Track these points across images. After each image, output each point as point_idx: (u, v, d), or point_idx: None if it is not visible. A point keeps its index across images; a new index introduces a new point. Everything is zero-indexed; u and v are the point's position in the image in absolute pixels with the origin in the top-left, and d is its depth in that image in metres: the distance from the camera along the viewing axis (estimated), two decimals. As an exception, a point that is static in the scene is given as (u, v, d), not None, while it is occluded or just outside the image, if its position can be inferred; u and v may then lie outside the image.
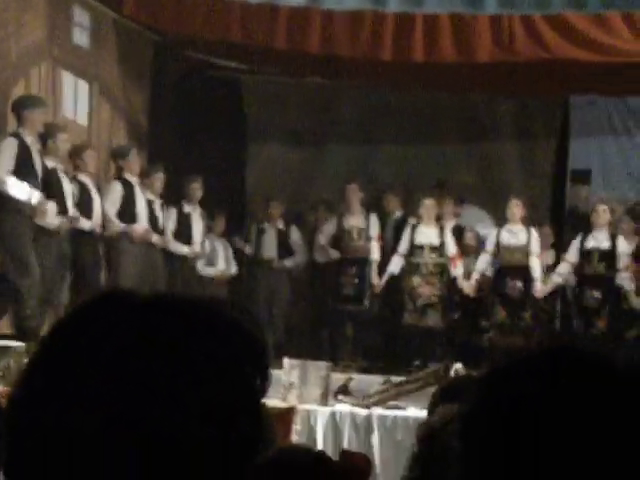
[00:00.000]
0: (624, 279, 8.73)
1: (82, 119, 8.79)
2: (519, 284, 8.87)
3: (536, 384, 0.82)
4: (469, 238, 9.52)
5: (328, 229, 9.49)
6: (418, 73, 9.16)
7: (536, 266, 8.89)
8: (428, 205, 9.05)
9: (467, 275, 9.14)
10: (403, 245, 9.12)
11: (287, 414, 5.92)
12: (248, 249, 9.62)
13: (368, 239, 9.27)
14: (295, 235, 9.70)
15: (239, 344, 0.91)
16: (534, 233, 8.97)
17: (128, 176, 8.19)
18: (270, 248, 9.55)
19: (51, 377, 0.88)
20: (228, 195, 10.03)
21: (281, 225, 9.65)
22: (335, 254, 9.30)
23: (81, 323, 0.92)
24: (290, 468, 1.67)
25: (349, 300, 9.21)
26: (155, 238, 8.27)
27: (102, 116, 9.02)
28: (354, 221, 9.28)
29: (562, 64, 8.44)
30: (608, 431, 0.80)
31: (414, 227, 9.12)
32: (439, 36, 8.54)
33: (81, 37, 8.71)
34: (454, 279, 9.12)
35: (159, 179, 8.52)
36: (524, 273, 8.89)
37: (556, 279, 9.00)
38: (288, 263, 9.58)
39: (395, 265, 9.12)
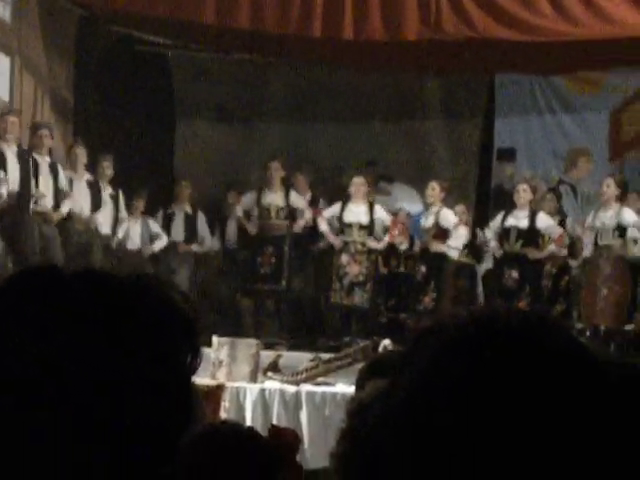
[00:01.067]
0: (557, 249, 8.85)
1: (3, 93, 8.60)
2: (448, 268, 8.97)
3: (459, 354, 0.83)
4: (401, 217, 9.59)
5: (246, 202, 9.40)
6: (348, 51, 9.16)
7: (452, 242, 8.99)
8: (358, 183, 9.07)
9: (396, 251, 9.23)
10: (329, 212, 9.13)
11: (216, 392, 5.91)
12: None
13: (287, 217, 9.23)
14: (202, 220, 9.57)
15: (170, 320, 0.91)
16: (445, 212, 9.01)
17: (37, 152, 8.03)
18: (178, 231, 9.43)
19: None
20: (153, 173, 9.90)
21: (188, 208, 9.52)
22: (253, 229, 9.23)
23: (5, 299, 0.90)
24: (219, 443, 1.67)
25: (267, 279, 9.16)
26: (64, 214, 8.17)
27: (25, 91, 8.83)
28: (273, 198, 9.23)
29: (488, 43, 8.53)
30: (530, 400, 0.81)
31: (343, 205, 9.14)
32: (368, 14, 8.55)
33: (3, 10, 8.50)
34: (387, 254, 9.17)
35: (81, 155, 8.40)
36: (440, 257, 9.01)
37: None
38: (195, 247, 9.47)
39: (324, 225, 9.12)
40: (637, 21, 8.09)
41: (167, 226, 9.40)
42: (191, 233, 9.46)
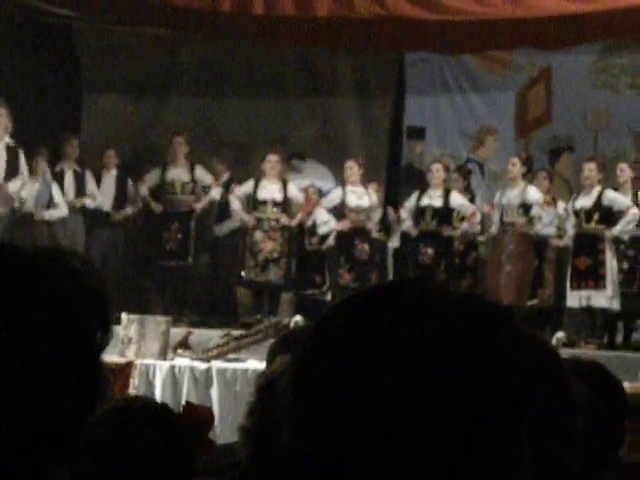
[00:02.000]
0: (470, 227, 9.00)
1: None
2: (366, 246, 9.03)
3: (364, 321, 0.84)
4: (311, 193, 9.61)
5: (150, 179, 9.30)
6: (259, 26, 9.10)
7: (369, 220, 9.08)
8: (272, 160, 9.05)
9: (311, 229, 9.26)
10: (241, 190, 9.10)
11: (125, 369, 5.86)
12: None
13: (192, 193, 9.15)
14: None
15: (79, 295, 0.89)
16: (372, 193, 9.12)
17: None
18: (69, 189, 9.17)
19: None
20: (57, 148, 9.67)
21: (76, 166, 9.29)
22: (157, 207, 9.13)
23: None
24: (132, 418, 1.65)
25: (173, 256, 9.08)
26: None
27: None
28: (178, 174, 9.14)
29: (398, 21, 8.58)
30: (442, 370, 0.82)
31: (256, 182, 9.11)
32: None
33: None
34: (300, 231, 9.19)
35: None
36: (368, 234, 9.07)
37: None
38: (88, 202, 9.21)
39: (236, 203, 9.08)
40: (544, 2, 8.24)
41: (60, 184, 9.09)
42: (80, 190, 9.20)
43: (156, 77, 10.69)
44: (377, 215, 9.26)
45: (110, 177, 9.40)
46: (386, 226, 9.49)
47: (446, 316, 0.84)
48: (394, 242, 9.50)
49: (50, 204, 8.83)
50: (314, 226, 9.36)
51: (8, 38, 9.56)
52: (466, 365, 0.82)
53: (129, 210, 9.37)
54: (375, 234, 9.25)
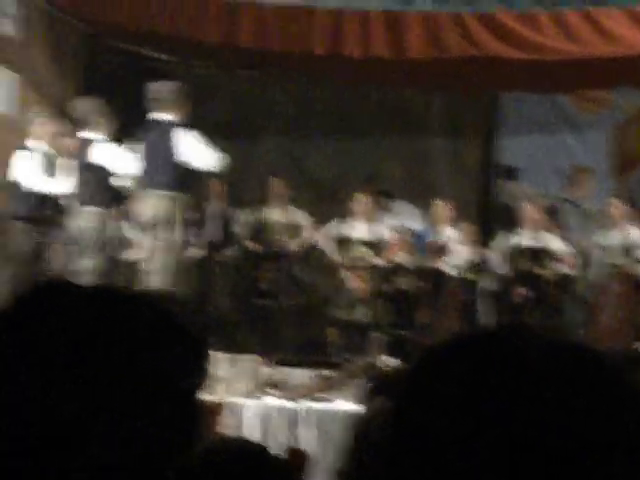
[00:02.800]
0: (565, 268, 8.85)
1: (10, 109, 8.62)
2: (456, 287, 8.96)
3: (463, 368, 0.83)
4: (401, 233, 9.59)
5: (245, 219, 9.42)
6: (350, 67, 9.19)
7: (457, 260, 9.00)
8: (360, 200, 9.09)
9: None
10: (330, 229, 9.14)
11: (215, 407, 5.90)
12: None
13: (287, 233, 9.22)
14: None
15: (178, 340, 0.91)
16: (455, 232, 9.06)
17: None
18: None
19: None
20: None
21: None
22: (253, 246, 9.24)
23: (20, 312, 0.89)
24: (231, 459, 1.65)
25: (266, 295, 9.14)
26: None
27: (30, 107, 8.86)
28: (274, 215, 9.23)
29: (491, 61, 8.55)
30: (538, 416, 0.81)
31: (346, 221, 9.15)
32: (371, 32, 8.59)
33: (8, 26, 8.53)
34: (390, 270, 9.17)
35: None
36: (444, 275, 9.00)
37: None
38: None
39: (325, 242, 9.12)
40: (640, 40, 8.12)
41: None
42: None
43: (247, 118, 10.87)
44: (464, 255, 9.18)
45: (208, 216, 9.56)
46: (477, 266, 9.39)
47: (544, 364, 0.83)
48: (485, 283, 9.39)
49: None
50: (404, 265, 9.33)
51: (108, 83, 9.86)
52: (567, 412, 0.80)
53: (229, 251, 9.52)
54: (465, 274, 9.17)
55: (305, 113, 10.78)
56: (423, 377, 0.86)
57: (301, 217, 9.35)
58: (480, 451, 0.80)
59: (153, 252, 7.28)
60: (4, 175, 8.38)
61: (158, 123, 7.39)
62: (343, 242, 9.11)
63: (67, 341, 0.86)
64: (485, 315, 9.36)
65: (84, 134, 7.62)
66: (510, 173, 10.85)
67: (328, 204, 10.27)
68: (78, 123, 7.65)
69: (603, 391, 0.82)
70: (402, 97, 10.67)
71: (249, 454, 1.66)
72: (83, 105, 7.68)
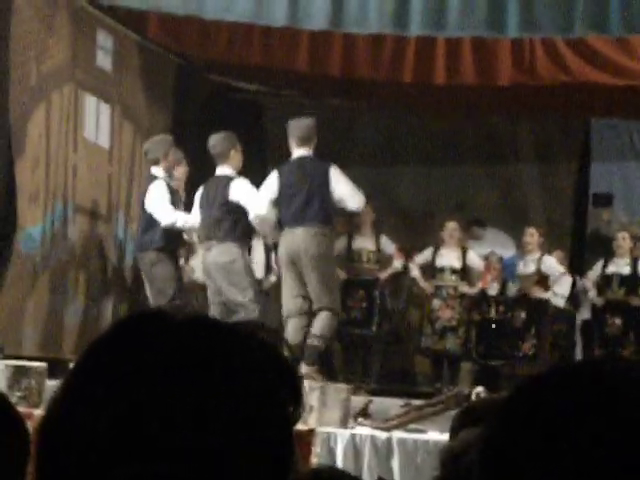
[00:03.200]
0: None
1: (104, 141, 8.85)
2: (549, 317, 8.82)
3: (561, 404, 0.81)
4: (494, 262, 9.48)
5: (337, 247, 9.43)
6: (439, 95, 9.18)
7: (558, 289, 8.84)
8: (451, 228, 9.03)
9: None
10: (420, 258, 9.10)
11: (307, 436, 5.90)
12: None
13: (377, 262, 9.19)
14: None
15: (274, 370, 0.91)
16: (548, 259, 8.91)
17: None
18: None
19: (83, 398, 0.88)
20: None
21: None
22: (342, 275, 9.23)
23: (117, 343, 0.92)
24: None
25: (357, 324, 9.11)
26: None
27: (124, 138, 9.08)
28: (364, 243, 9.22)
29: (583, 87, 8.44)
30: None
31: (435, 249, 9.09)
32: (460, 59, 8.56)
33: (104, 60, 8.78)
34: (481, 299, 9.07)
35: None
36: (541, 303, 8.85)
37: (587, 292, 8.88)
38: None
39: (416, 270, 9.09)
40: None
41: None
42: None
43: (335, 147, 10.93)
44: (567, 284, 9.00)
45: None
46: (573, 296, 9.20)
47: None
48: (583, 314, 9.19)
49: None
50: (494, 293, 9.21)
51: (197, 114, 10.05)
52: None
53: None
54: (561, 304, 8.99)
55: (392, 141, 10.78)
56: (519, 408, 0.85)
57: (390, 245, 9.32)
58: None
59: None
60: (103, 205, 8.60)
61: (304, 160, 7.39)
62: (433, 270, 9.05)
63: (159, 369, 0.87)
64: (583, 346, 9.17)
65: (221, 169, 7.61)
66: (604, 200, 10.65)
67: (418, 232, 10.23)
68: (215, 157, 7.61)
69: None
70: (491, 123, 10.59)
71: None
72: (218, 139, 7.64)
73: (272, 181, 7.48)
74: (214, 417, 0.87)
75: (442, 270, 9.00)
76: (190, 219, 7.62)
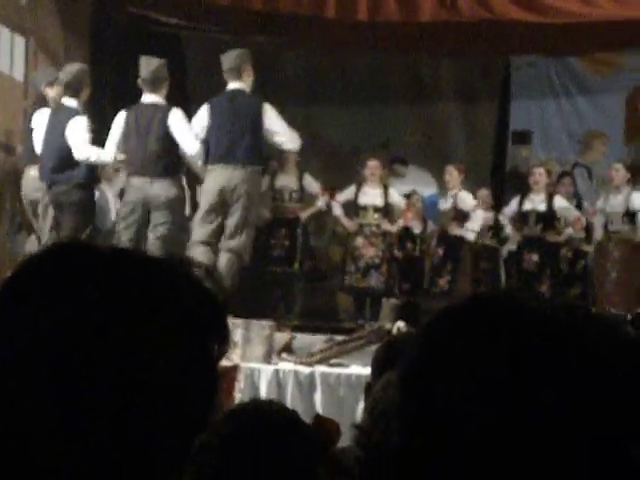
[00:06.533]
0: (575, 233, 8.83)
1: (18, 75, 8.60)
2: (469, 252, 8.96)
3: (474, 328, 0.83)
4: (415, 200, 9.56)
5: None
6: (362, 32, 9.12)
7: (470, 224, 8.97)
8: (373, 166, 9.06)
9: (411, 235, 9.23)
10: (343, 196, 9.13)
11: (231, 372, 5.94)
12: None
13: (300, 200, 9.19)
14: None
15: (200, 305, 0.91)
16: (464, 195, 9.01)
17: None
18: None
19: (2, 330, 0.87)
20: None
21: None
22: (266, 214, 9.21)
23: (36, 275, 0.89)
24: (265, 419, 1.63)
25: (280, 262, 9.12)
26: None
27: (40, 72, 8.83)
28: (287, 181, 9.19)
29: (504, 24, 8.48)
30: (538, 379, 0.81)
31: (358, 188, 9.12)
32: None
33: (18, -8, 8.49)
34: (402, 236, 9.16)
35: None
36: (457, 239, 8.99)
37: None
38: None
39: (339, 209, 9.11)
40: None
41: None
42: None
43: (260, 85, 10.81)
44: (479, 220, 9.14)
45: None
46: (493, 232, 9.36)
47: (550, 327, 0.83)
48: (510, 247, 9.33)
49: None
50: (416, 231, 9.32)
51: (115, 47, 9.82)
52: (575, 377, 0.81)
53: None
54: (484, 240, 9.14)
55: (318, 80, 10.72)
56: (433, 340, 0.86)
57: (313, 184, 9.32)
58: (489, 414, 0.80)
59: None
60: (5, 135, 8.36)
61: (235, 94, 7.19)
62: (356, 209, 9.09)
63: (81, 303, 0.86)
64: (505, 280, 9.36)
65: (151, 98, 7.28)
66: (522, 137, 10.80)
67: (342, 171, 10.25)
68: (148, 84, 7.25)
69: (609, 349, 0.83)
70: (415, 64, 10.60)
71: (282, 419, 1.64)
72: (158, 65, 7.32)
73: (203, 114, 7.33)
74: (136, 351, 0.86)
75: (365, 208, 9.05)
76: (104, 154, 7.32)
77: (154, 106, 7.25)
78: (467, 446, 0.81)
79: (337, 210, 9.16)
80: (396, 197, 9.20)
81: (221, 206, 7.17)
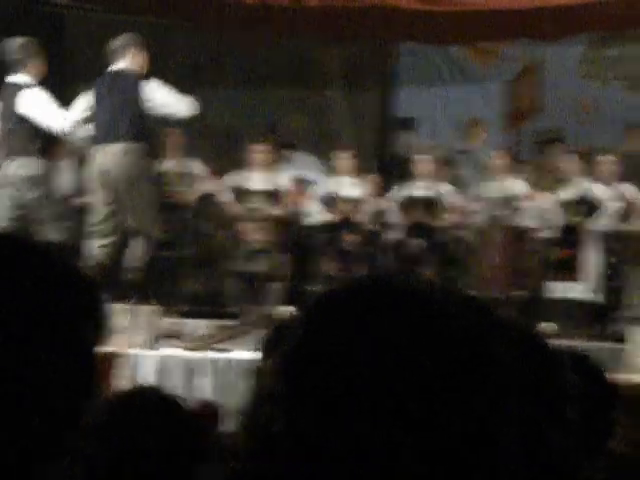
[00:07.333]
0: (458, 218, 9.03)
1: None
2: (355, 237, 9.04)
3: (342, 319, 0.85)
4: (301, 183, 9.60)
5: None
6: (249, 15, 9.08)
7: (365, 214, 9.09)
8: (259, 150, 9.05)
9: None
10: (230, 180, 9.08)
11: (115, 358, 5.86)
12: None
13: (188, 184, 9.10)
14: None
15: (75, 291, 0.89)
16: (359, 183, 9.13)
17: None
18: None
19: None
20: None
21: None
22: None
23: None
24: (145, 405, 1.63)
25: (167, 246, 9.02)
26: None
27: None
28: (172, 165, 9.10)
29: (389, 11, 8.58)
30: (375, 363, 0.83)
31: (245, 172, 9.09)
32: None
33: None
34: (290, 221, 9.18)
35: None
36: (357, 226, 9.07)
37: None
38: None
39: (226, 194, 9.06)
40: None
41: None
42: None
43: (148, 66, 10.63)
44: (370, 206, 9.25)
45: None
46: (382, 218, 9.47)
47: (426, 312, 0.86)
48: (391, 234, 9.47)
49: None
50: (304, 216, 9.36)
51: (4, 27, 9.49)
52: (446, 358, 0.83)
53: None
54: (369, 225, 9.24)
55: (205, 62, 10.62)
56: (310, 325, 0.88)
57: (197, 167, 9.24)
58: (364, 398, 0.82)
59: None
60: None
61: (117, 73, 7.11)
62: (241, 193, 9.06)
63: None
64: (386, 266, 9.49)
65: (13, 77, 7.18)
66: (406, 124, 10.96)
67: (230, 155, 10.19)
68: (8, 65, 7.15)
69: (489, 338, 0.86)
70: (303, 48, 10.61)
71: (160, 403, 1.64)
72: (13, 45, 7.19)
73: (87, 95, 7.23)
74: (7, 336, 0.84)
75: (253, 193, 9.03)
76: None
77: (16, 85, 7.10)
78: (345, 430, 0.82)
79: (225, 195, 9.11)
80: (284, 181, 9.21)
81: (108, 186, 7.06)
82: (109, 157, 7.00)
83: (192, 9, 9.13)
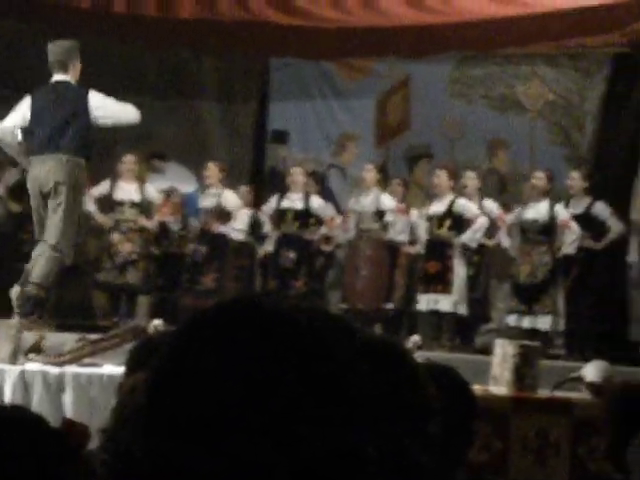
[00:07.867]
0: (329, 231, 9.11)
1: None
2: (228, 250, 9.03)
3: (208, 340, 0.85)
4: (173, 196, 9.52)
5: (9, 181, 9.01)
6: (119, 25, 8.96)
7: (236, 223, 9.07)
8: (128, 161, 8.93)
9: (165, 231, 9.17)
10: (97, 190, 8.91)
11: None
12: None
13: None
14: None
15: None
16: (228, 194, 9.11)
17: None
18: None
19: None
20: None
21: None
22: (16, 207, 8.83)
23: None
24: (7, 426, 1.56)
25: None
26: None
27: None
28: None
29: (261, 25, 8.62)
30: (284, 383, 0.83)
31: (113, 182, 8.94)
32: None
33: None
34: (159, 233, 9.08)
35: None
36: (221, 238, 9.04)
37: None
38: None
39: (91, 205, 8.88)
40: (403, 13, 8.44)
41: None
42: None
43: (11, 71, 10.35)
44: (245, 219, 9.22)
45: None
46: (255, 230, 9.47)
47: (292, 331, 0.87)
48: (261, 246, 9.48)
49: None
50: (175, 228, 9.28)
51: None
52: (308, 376, 0.84)
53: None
54: (244, 237, 9.22)
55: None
56: (178, 345, 0.87)
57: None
58: (228, 417, 0.82)
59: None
60: None
61: (58, 84, 6.91)
62: (112, 203, 8.91)
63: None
64: (262, 277, 9.50)
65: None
66: (280, 137, 11.02)
67: (99, 165, 9.99)
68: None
69: (350, 355, 0.87)
70: (177, 59, 10.53)
71: (25, 423, 1.58)
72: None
73: (24, 106, 6.97)
74: None
75: (121, 203, 8.89)
76: None
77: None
78: (208, 450, 0.82)
79: (91, 205, 8.91)
80: (153, 192, 9.10)
81: (42, 198, 6.85)
82: (45, 167, 6.81)
83: (59, 17, 8.94)
